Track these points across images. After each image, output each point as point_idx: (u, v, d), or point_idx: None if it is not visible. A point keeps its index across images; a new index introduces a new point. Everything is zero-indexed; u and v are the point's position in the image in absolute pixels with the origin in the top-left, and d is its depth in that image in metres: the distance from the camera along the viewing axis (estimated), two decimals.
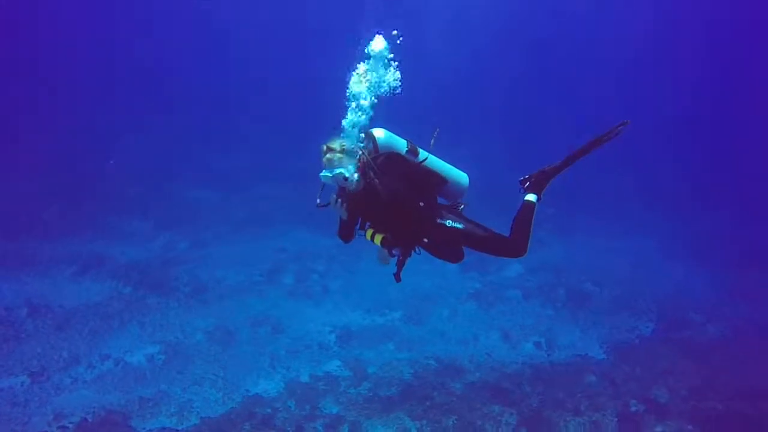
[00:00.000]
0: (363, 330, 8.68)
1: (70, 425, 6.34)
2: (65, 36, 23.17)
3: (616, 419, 6.47)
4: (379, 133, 3.25)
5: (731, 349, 8.44)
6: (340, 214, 3.27)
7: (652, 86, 23.49)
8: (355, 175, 3.05)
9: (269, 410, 6.72)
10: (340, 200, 3.16)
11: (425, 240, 3.26)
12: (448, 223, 3.28)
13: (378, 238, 3.22)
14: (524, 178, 3.49)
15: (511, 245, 3.28)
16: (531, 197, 3.40)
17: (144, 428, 6.36)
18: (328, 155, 3.08)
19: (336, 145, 3.10)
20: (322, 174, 3.10)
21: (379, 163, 3.15)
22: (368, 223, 3.33)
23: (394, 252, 3.38)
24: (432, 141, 3.48)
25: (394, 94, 3.23)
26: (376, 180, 3.08)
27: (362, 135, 3.18)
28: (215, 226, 11.47)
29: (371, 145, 3.20)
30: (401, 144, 3.31)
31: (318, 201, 3.30)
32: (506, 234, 3.33)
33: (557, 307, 9.52)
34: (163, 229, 10.93)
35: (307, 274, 10.11)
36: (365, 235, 3.29)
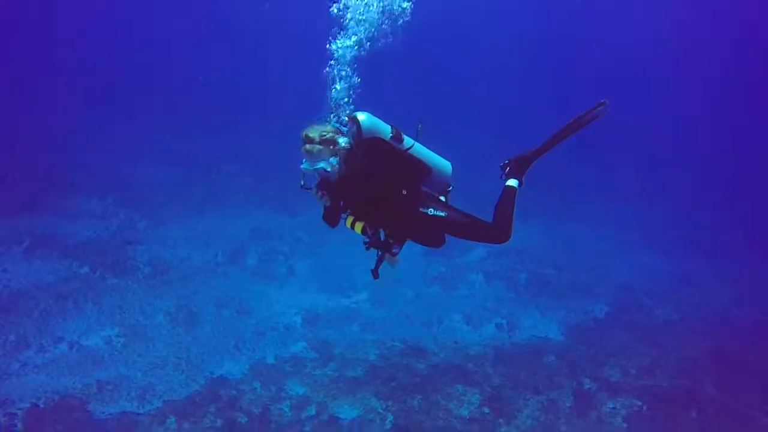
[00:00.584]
0: (329, 312, 8.69)
1: (18, 411, 6.06)
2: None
3: (572, 397, 6.79)
4: (362, 117, 3.14)
5: (677, 330, 8.98)
6: (322, 203, 3.22)
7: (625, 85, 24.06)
8: (336, 166, 3.01)
9: (234, 392, 6.66)
10: (320, 192, 3.11)
11: (406, 229, 3.22)
12: (431, 211, 3.24)
13: (358, 227, 3.19)
14: (504, 163, 3.49)
15: (495, 231, 3.27)
16: (512, 182, 3.39)
17: (103, 413, 6.17)
18: (307, 146, 3.00)
19: (315, 134, 3.01)
20: (302, 166, 3.06)
21: (363, 149, 3.08)
22: (348, 210, 3.28)
23: (369, 238, 3.30)
24: (417, 131, 3.42)
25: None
26: (358, 169, 3.05)
27: (345, 118, 3.12)
28: (175, 205, 11.09)
29: (354, 128, 3.11)
30: (385, 129, 3.22)
31: (302, 183, 3.22)
32: (489, 220, 3.32)
33: (519, 290, 9.82)
34: (121, 207, 10.48)
35: (271, 255, 9.98)
36: (345, 222, 3.26)
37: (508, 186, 3.39)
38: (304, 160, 3.05)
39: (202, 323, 7.93)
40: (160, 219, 10.39)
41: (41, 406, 6.13)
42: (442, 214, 3.25)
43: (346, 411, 6.47)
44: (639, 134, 20.51)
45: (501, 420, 6.23)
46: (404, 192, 3.17)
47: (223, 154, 14.68)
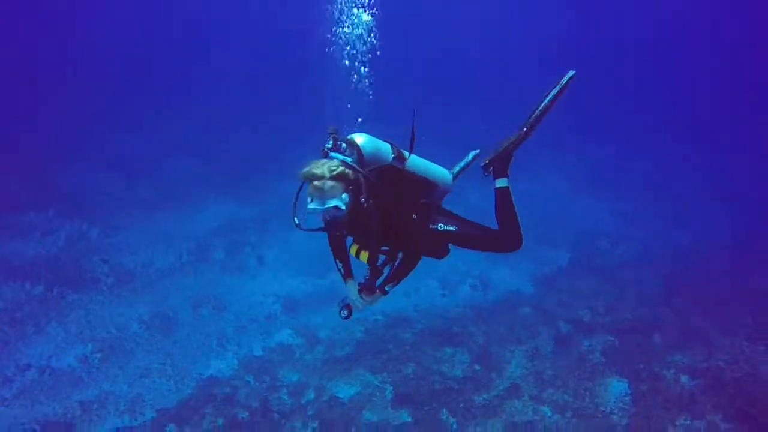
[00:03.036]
0: (307, 295, 8.67)
1: None
2: None
3: (552, 342, 7.24)
4: (361, 139, 2.91)
5: (633, 267, 9.69)
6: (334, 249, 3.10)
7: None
8: (348, 202, 2.70)
9: (228, 389, 6.59)
10: (335, 235, 2.99)
11: (418, 250, 3.09)
12: (440, 227, 3.12)
13: (364, 256, 3.00)
14: (486, 163, 3.36)
15: (505, 239, 3.15)
16: (502, 182, 3.25)
17: None
18: (316, 183, 2.64)
19: (322, 169, 2.66)
20: (310, 206, 2.68)
21: (373, 182, 2.81)
22: (352, 239, 3.10)
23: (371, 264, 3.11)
24: (411, 143, 3.16)
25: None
26: (371, 201, 2.75)
27: (343, 144, 2.84)
28: (125, 208, 10.51)
29: (355, 155, 2.84)
30: (386, 149, 3.02)
31: (296, 221, 2.91)
32: (494, 227, 3.21)
33: None
34: (66, 218, 9.77)
35: (238, 246, 9.75)
36: (350, 251, 3.08)
37: (500, 188, 3.25)
38: (310, 201, 2.67)
39: (180, 326, 7.71)
40: (113, 225, 9.83)
41: None
42: (452, 228, 3.13)
43: (344, 390, 6.58)
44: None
45: (493, 374, 6.56)
46: (414, 216, 3.01)
47: (162, 149, 13.91)
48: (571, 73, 3.23)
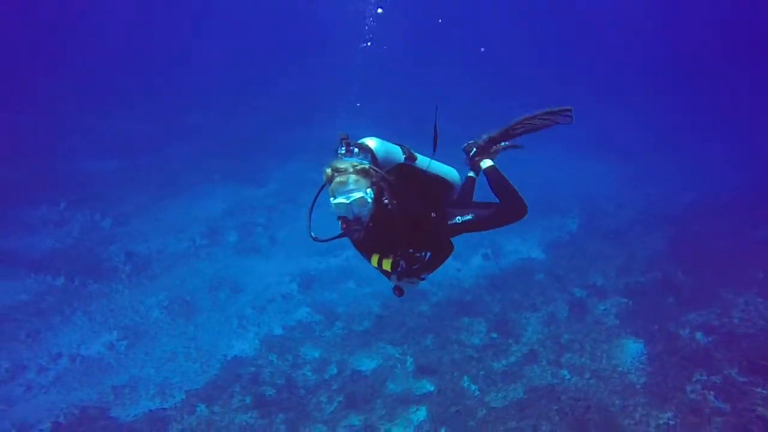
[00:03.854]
0: (321, 273, 8.79)
1: None
2: None
3: (567, 307, 7.36)
4: (373, 143, 2.85)
5: (640, 228, 9.73)
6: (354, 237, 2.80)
7: None
8: (372, 200, 2.61)
9: (253, 369, 6.77)
10: (355, 233, 2.69)
11: (441, 249, 2.99)
12: (458, 219, 3.11)
13: (387, 264, 2.84)
14: (468, 146, 3.39)
15: (510, 212, 3.18)
16: (487, 163, 3.31)
17: (128, 416, 6.16)
18: (340, 178, 2.58)
19: (345, 165, 2.62)
20: (336, 201, 2.57)
21: (394, 182, 2.76)
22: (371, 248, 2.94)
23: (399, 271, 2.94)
24: (435, 141, 3.13)
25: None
26: (394, 202, 2.68)
27: (355, 149, 2.74)
28: (133, 196, 10.56)
29: (369, 158, 2.77)
30: (397, 151, 2.98)
31: (312, 234, 2.83)
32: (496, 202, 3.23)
33: None
34: (76, 209, 9.86)
35: (249, 228, 9.83)
36: (371, 261, 2.90)
37: (488, 168, 3.29)
38: (336, 196, 2.58)
39: (200, 310, 7.86)
40: (124, 214, 9.91)
41: (63, 422, 6.03)
42: (469, 217, 3.12)
43: (366, 363, 6.75)
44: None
45: (510, 340, 6.70)
46: (433, 215, 2.97)
47: (161, 134, 13.84)
48: (567, 107, 3.30)
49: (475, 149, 3.36)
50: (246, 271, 8.72)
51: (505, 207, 3.17)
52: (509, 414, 5.47)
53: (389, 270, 2.84)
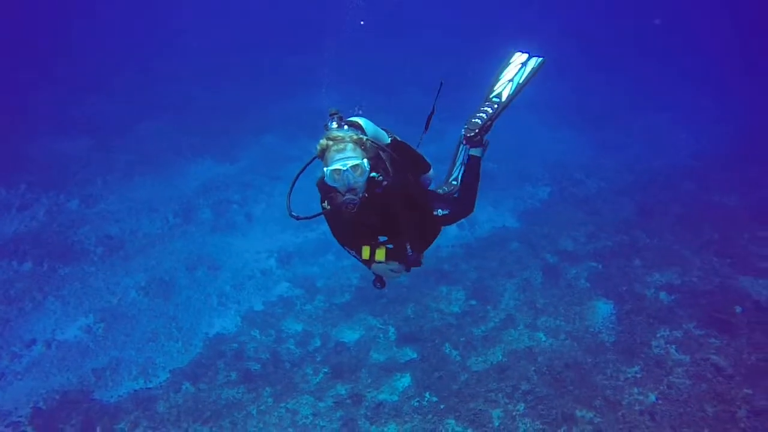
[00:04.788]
0: (299, 248, 8.80)
1: (21, 419, 5.89)
2: None
3: (541, 272, 7.64)
4: (361, 122, 2.86)
5: (607, 195, 10.10)
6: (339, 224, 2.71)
7: None
8: (368, 170, 2.59)
9: (236, 345, 6.81)
10: (351, 204, 2.57)
11: (429, 235, 2.95)
12: (439, 212, 3.12)
13: (381, 253, 2.73)
14: (471, 135, 3.36)
15: (465, 209, 3.28)
16: (476, 152, 3.36)
17: (112, 396, 6.14)
18: (337, 146, 2.55)
19: (343, 134, 2.60)
20: (332, 167, 2.52)
21: (394, 156, 2.74)
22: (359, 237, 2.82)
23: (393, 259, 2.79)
24: (428, 120, 3.20)
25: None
26: (390, 175, 2.65)
27: (345, 126, 2.69)
28: (102, 176, 10.18)
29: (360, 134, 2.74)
30: (383, 133, 2.99)
31: (291, 212, 2.81)
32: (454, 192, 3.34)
33: None
34: (41, 191, 9.46)
35: (224, 205, 9.69)
36: (362, 254, 2.77)
37: (474, 156, 3.34)
38: (332, 163, 2.53)
39: (179, 289, 7.79)
40: (92, 195, 9.58)
41: (44, 407, 5.97)
42: (447, 212, 3.16)
43: (349, 335, 6.89)
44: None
45: (489, 307, 6.95)
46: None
47: (131, 110, 13.29)
48: (541, 59, 3.49)
49: (475, 131, 3.33)
50: (223, 249, 8.65)
51: (462, 202, 3.29)
52: (490, 376, 5.73)
53: (383, 260, 2.71)
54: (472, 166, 3.35)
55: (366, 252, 2.76)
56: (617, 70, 17.44)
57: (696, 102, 14.92)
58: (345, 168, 2.53)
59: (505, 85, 3.52)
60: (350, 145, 2.58)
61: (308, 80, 13.65)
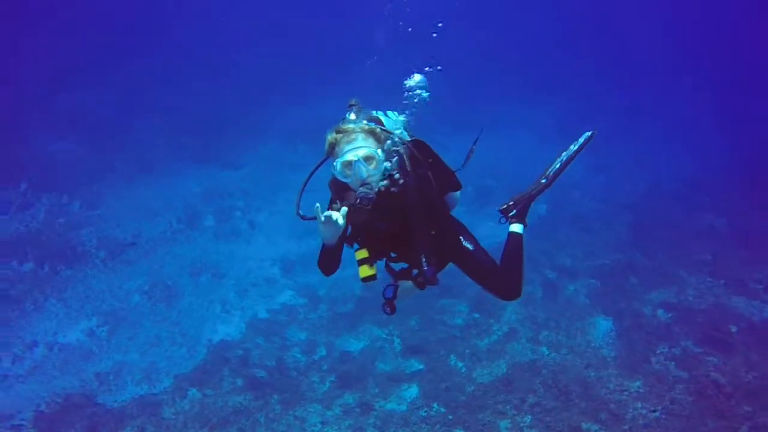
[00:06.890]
0: (302, 256, 8.85)
1: (24, 422, 5.82)
2: None
3: (541, 288, 7.79)
4: (383, 118, 2.66)
5: (603, 214, 10.35)
6: (330, 229, 2.32)
7: None
8: (383, 160, 2.35)
9: (241, 352, 6.82)
10: (365, 200, 2.29)
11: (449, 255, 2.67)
12: (461, 239, 2.80)
13: (365, 270, 2.59)
14: (505, 207, 3.20)
15: (506, 284, 2.85)
16: (517, 228, 3.09)
17: (116, 401, 6.10)
18: (348, 137, 2.35)
19: (354, 126, 2.39)
20: (343, 159, 2.31)
21: (415, 153, 2.48)
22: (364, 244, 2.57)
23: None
24: (468, 157, 2.98)
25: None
26: (409, 173, 2.39)
27: (364, 120, 2.48)
28: (102, 178, 10.15)
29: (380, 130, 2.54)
30: (403, 134, 2.75)
31: (299, 212, 2.54)
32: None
33: (468, 203, 10.57)
34: (41, 191, 9.38)
35: (227, 212, 9.72)
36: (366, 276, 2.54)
37: (515, 233, 3.05)
38: (343, 155, 2.33)
39: (182, 294, 7.79)
40: (94, 197, 9.54)
41: (46, 411, 5.91)
42: (470, 247, 2.81)
43: (354, 344, 6.94)
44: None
45: (492, 320, 7.07)
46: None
47: (128, 108, 13.19)
48: (588, 133, 3.36)
49: (515, 210, 3.16)
50: (226, 256, 8.67)
51: (504, 273, 2.88)
52: (497, 388, 5.83)
53: (367, 275, 2.52)
54: (515, 243, 3.02)
55: (364, 271, 2.55)
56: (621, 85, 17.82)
57: (688, 126, 15.40)
58: (357, 158, 2.31)
59: (553, 167, 3.33)
60: (361, 135, 2.38)
61: (316, 89, 13.78)
